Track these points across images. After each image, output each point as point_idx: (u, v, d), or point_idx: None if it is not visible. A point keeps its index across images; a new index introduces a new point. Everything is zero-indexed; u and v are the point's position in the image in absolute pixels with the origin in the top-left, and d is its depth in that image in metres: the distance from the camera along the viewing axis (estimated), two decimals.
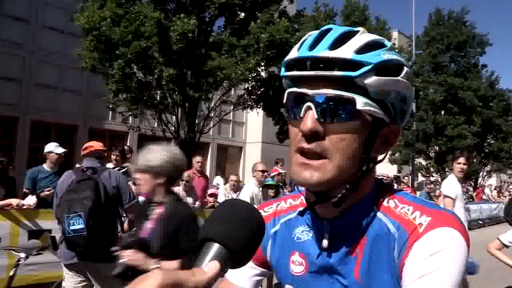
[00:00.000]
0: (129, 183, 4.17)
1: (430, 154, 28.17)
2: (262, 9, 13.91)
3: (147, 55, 12.82)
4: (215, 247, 0.65)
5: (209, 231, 0.67)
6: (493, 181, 33.21)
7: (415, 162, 25.81)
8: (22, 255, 4.56)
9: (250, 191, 6.28)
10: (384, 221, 0.92)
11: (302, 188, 1.03)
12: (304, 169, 0.88)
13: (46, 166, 6.29)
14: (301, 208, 1.01)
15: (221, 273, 0.62)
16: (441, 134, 26.67)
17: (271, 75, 14.95)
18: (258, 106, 15.70)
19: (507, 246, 4.36)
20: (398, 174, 16.22)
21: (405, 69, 0.91)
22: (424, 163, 28.37)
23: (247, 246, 0.68)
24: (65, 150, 6.33)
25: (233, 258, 0.66)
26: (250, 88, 15.51)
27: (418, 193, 17.11)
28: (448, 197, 5.66)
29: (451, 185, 5.77)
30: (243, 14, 14.55)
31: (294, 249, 1.03)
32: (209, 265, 0.61)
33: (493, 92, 28.19)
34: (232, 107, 17.32)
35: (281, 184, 7.96)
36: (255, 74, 14.77)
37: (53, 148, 6.27)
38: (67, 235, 3.49)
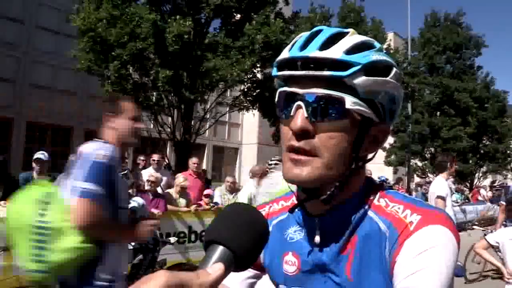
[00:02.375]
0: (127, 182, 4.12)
1: (426, 155, 28.24)
2: (257, 10, 13.93)
3: (143, 56, 12.82)
4: (220, 249, 0.66)
5: (213, 233, 0.68)
6: (488, 182, 33.31)
7: (411, 163, 25.88)
8: None
9: (248, 192, 6.30)
10: (375, 219, 0.93)
11: (295, 189, 1.04)
12: (294, 165, 0.90)
13: (35, 173, 6.15)
14: (291, 207, 1.02)
15: (225, 275, 0.63)
16: (436, 135, 26.75)
17: (267, 77, 14.97)
18: (254, 107, 15.71)
19: (493, 246, 4.43)
20: (401, 177, 16.27)
21: (394, 69, 0.92)
22: (420, 164, 28.44)
23: (251, 249, 0.69)
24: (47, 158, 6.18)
25: (237, 261, 0.66)
26: (245, 90, 15.53)
27: (414, 194, 17.15)
28: (440, 197, 5.64)
29: (441, 185, 5.76)
30: (238, 15, 14.57)
31: (287, 249, 1.04)
32: (213, 267, 0.62)
33: (489, 93, 28.28)
34: (228, 109, 17.32)
35: None
36: (251, 75, 14.80)
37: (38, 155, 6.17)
38: None
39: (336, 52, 0.87)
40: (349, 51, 0.88)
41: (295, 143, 0.89)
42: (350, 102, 0.87)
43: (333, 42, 0.89)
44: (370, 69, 0.88)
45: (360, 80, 0.87)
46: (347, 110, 0.88)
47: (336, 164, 0.90)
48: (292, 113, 0.89)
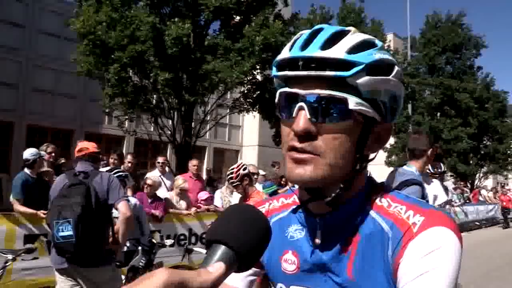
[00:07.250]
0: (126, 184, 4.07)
1: None
2: (256, 12, 13.91)
3: (142, 59, 12.79)
4: (222, 248, 0.66)
5: (216, 233, 0.68)
6: (489, 182, 33.25)
7: None
8: (10, 256, 4.50)
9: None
10: (377, 219, 0.92)
11: (295, 188, 1.04)
12: (297, 165, 0.88)
13: (31, 173, 5.90)
14: (294, 207, 1.01)
15: (227, 274, 0.63)
16: (437, 137, 26.73)
17: (267, 78, 14.93)
18: (254, 109, 15.66)
19: None
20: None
21: (396, 68, 0.91)
22: None
23: (253, 249, 0.69)
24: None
25: (239, 261, 0.67)
26: (245, 91, 15.49)
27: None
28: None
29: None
30: (238, 17, 14.54)
31: (287, 248, 1.03)
32: (214, 266, 0.62)
33: (489, 93, 28.27)
34: (228, 111, 17.28)
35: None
36: (251, 77, 14.76)
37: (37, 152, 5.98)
38: (56, 241, 3.45)
39: (339, 51, 0.86)
40: (352, 50, 0.87)
41: (298, 144, 0.87)
42: (353, 102, 0.86)
43: (335, 41, 0.88)
44: (373, 68, 0.87)
45: (363, 80, 0.86)
46: (350, 111, 0.86)
47: (340, 165, 0.88)
48: (294, 114, 0.87)
